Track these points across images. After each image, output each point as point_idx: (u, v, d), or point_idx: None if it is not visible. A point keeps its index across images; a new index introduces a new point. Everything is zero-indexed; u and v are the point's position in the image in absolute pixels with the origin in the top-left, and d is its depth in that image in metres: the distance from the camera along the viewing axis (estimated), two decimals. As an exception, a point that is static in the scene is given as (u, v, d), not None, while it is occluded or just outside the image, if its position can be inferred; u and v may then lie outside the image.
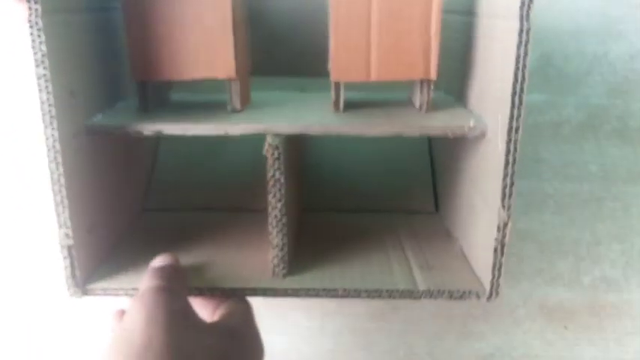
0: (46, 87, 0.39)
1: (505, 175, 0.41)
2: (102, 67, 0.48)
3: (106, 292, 0.46)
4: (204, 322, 0.43)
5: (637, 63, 0.77)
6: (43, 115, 0.39)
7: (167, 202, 0.62)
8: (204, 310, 0.47)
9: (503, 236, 0.42)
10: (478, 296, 0.46)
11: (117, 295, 0.46)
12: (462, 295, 0.46)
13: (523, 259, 0.67)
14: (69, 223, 0.42)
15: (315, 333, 0.63)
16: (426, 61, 0.46)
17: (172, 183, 0.63)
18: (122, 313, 0.46)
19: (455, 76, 0.53)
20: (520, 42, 0.38)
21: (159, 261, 0.45)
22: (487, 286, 0.45)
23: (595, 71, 0.77)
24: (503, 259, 0.43)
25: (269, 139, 0.43)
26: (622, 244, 0.68)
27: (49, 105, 0.39)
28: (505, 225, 0.42)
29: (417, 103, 0.49)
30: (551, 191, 0.70)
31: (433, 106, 0.49)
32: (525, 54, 0.39)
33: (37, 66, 0.38)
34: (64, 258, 0.43)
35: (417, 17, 0.45)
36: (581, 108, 0.75)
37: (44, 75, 0.39)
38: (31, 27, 0.38)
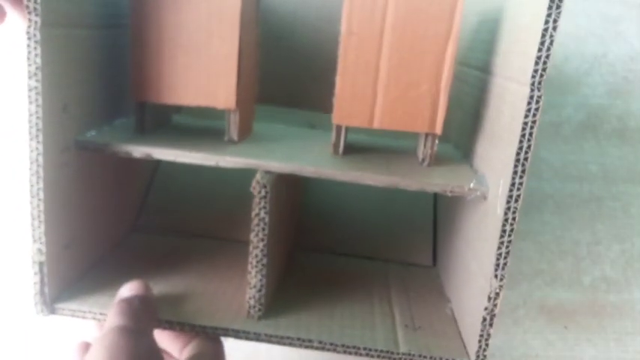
0: (36, 100, 0.38)
1: (500, 245, 0.40)
2: (102, 84, 0.48)
3: (74, 314, 0.44)
4: None
5: (636, 63, 0.77)
6: (30, 127, 0.39)
7: (158, 224, 0.60)
8: (174, 343, 0.46)
9: (494, 306, 0.41)
10: None
11: (84, 318, 0.44)
12: None
13: (523, 260, 0.67)
14: (43, 239, 0.41)
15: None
16: (432, 114, 0.45)
17: (166, 206, 0.62)
18: (85, 347, 0.45)
19: (465, 131, 0.52)
20: (529, 109, 0.37)
21: (127, 290, 0.43)
22: (472, 357, 0.43)
23: (595, 71, 0.76)
24: (492, 331, 0.41)
25: (258, 177, 0.42)
26: (622, 244, 0.68)
27: (37, 118, 0.39)
28: (497, 295, 0.40)
29: (420, 156, 0.48)
30: (551, 191, 0.70)
31: (437, 161, 0.47)
32: (534, 122, 0.37)
33: (30, 78, 0.38)
34: (34, 274, 0.42)
35: (428, 68, 0.43)
36: (581, 108, 0.75)
37: (35, 87, 0.38)
38: (28, 39, 0.37)
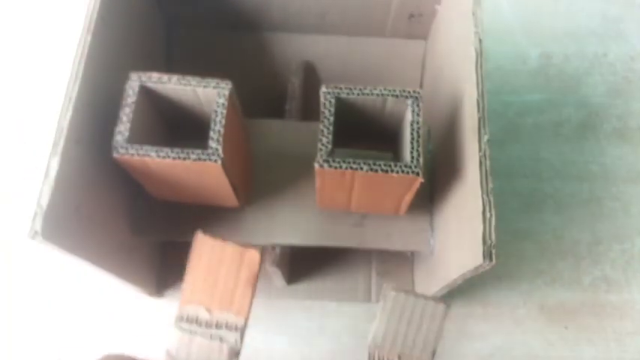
0: None
1: None
2: None
3: None
4: None
5: (637, 63, 0.77)
6: None
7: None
8: None
9: None
10: None
11: None
12: None
13: (523, 260, 0.67)
14: None
15: (315, 333, 0.63)
16: (397, 209, 0.50)
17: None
18: None
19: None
20: None
21: None
22: None
23: (595, 71, 0.77)
24: None
25: (268, 251, 0.52)
26: (622, 244, 0.68)
27: None
28: None
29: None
30: (551, 191, 0.70)
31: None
32: None
33: None
34: None
35: (390, 201, 0.48)
36: (581, 108, 0.75)
37: None
38: None
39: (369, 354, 0.41)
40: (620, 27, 0.78)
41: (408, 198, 0.46)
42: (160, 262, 0.64)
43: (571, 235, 0.68)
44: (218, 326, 0.40)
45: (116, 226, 0.49)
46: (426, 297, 0.42)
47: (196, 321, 0.40)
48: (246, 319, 0.41)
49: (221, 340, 0.40)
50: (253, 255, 0.41)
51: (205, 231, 0.42)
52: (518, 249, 0.67)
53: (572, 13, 0.79)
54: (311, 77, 0.63)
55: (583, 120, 0.74)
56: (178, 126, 0.48)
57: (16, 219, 0.66)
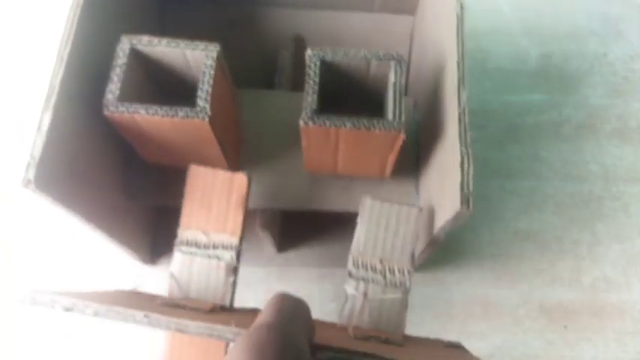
0: None
1: None
2: None
3: None
4: None
5: (637, 63, 0.77)
6: None
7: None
8: None
9: None
10: None
11: None
12: None
13: (523, 260, 0.67)
14: None
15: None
16: (382, 169, 0.50)
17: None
18: None
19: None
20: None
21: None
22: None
23: (595, 71, 0.77)
24: None
25: (258, 214, 0.53)
26: (622, 244, 0.68)
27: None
28: None
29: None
30: (551, 191, 0.70)
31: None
32: None
33: None
34: None
35: (376, 160, 0.49)
36: (581, 108, 0.75)
37: None
38: None
39: (352, 260, 0.44)
40: (620, 27, 0.79)
41: (392, 157, 0.46)
42: (155, 229, 0.64)
43: (571, 235, 0.68)
44: (215, 247, 0.44)
45: (109, 187, 0.50)
46: (400, 203, 0.45)
47: (195, 244, 0.45)
48: (240, 238, 0.45)
49: (218, 258, 0.44)
50: (242, 179, 0.45)
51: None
52: (518, 249, 0.67)
53: (572, 13, 0.79)
54: (301, 51, 0.63)
55: (583, 120, 0.74)
56: (169, 91, 0.49)
57: (16, 219, 0.66)
